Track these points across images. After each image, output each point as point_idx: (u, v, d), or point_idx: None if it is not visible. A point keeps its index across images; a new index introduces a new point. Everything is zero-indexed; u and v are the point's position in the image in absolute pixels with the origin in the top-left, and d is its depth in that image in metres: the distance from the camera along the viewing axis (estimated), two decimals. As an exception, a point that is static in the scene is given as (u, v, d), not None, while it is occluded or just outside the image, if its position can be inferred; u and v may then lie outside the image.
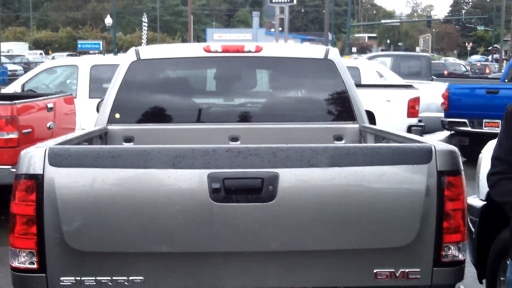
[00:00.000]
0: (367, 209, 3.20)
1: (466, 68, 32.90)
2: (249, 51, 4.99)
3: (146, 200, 3.15)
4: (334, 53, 5.08)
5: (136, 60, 5.00)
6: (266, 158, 3.18)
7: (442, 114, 12.17)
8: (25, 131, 7.58)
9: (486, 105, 11.38)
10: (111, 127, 4.91)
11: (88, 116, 9.60)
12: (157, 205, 3.15)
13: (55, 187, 3.15)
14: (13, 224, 3.23)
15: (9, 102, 7.49)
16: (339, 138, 4.99)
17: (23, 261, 3.22)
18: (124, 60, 5.11)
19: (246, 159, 3.18)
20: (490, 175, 3.31)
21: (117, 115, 4.96)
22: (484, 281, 4.62)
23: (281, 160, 3.18)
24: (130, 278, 3.20)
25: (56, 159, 3.17)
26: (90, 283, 3.20)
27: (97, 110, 6.44)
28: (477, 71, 34.08)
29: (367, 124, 5.03)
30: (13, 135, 7.40)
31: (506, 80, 12.77)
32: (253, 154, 3.19)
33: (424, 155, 3.22)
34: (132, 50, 5.12)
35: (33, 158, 3.19)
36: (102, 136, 4.79)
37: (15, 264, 3.25)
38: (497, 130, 9.27)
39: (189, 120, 5.06)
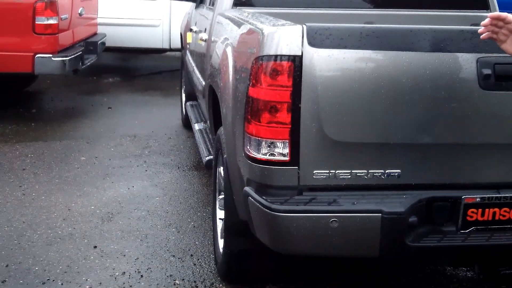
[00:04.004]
0: None
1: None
2: None
3: (411, 86, 2.84)
4: None
5: None
6: None
7: None
8: (63, 16, 6.91)
9: None
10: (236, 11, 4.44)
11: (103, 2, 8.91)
12: (421, 92, 2.85)
13: (315, 70, 2.78)
14: (257, 111, 2.86)
15: (46, -17, 6.76)
16: None
17: (267, 152, 2.88)
18: None
19: None
20: None
21: None
22: None
23: None
24: (387, 171, 2.93)
25: (317, 38, 2.79)
26: (345, 176, 2.90)
27: None
28: None
29: None
30: (53, 21, 6.72)
31: None
32: None
33: None
34: None
35: (288, 37, 2.79)
36: None
37: (258, 155, 2.90)
38: None
39: (322, 4, 4.66)
